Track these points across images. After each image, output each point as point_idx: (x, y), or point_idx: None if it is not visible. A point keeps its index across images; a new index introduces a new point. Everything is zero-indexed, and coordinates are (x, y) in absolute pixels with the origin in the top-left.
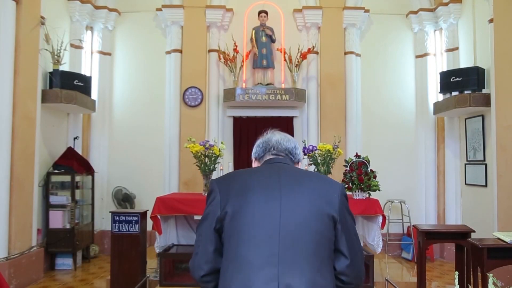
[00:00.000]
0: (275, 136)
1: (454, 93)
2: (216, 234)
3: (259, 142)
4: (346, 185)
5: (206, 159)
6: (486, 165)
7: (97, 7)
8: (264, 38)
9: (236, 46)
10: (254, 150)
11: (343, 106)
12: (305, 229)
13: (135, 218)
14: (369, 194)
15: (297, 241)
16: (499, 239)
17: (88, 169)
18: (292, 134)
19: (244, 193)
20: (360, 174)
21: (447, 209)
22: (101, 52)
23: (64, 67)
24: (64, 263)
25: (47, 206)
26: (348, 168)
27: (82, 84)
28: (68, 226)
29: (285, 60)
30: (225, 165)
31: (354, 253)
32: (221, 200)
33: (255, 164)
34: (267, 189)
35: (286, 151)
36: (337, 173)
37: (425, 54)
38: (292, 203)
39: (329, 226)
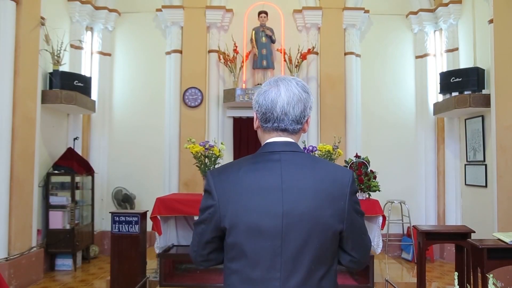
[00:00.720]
0: (281, 97)
1: (454, 94)
2: (216, 239)
3: (261, 100)
4: None
5: (206, 160)
6: (486, 165)
7: (97, 8)
8: (264, 38)
9: (236, 47)
10: (256, 106)
11: (343, 106)
12: (308, 250)
13: (135, 219)
14: (369, 195)
15: (299, 263)
16: (499, 239)
17: (88, 170)
18: None
19: (244, 204)
20: (360, 174)
21: (447, 210)
22: (101, 53)
23: (64, 67)
24: (64, 263)
25: (47, 207)
26: None
27: (82, 85)
28: (68, 227)
29: (285, 60)
30: None
31: (359, 252)
32: (219, 209)
33: (256, 124)
34: (269, 201)
35: (293, 124)
36: None
37: (425, 55)
38: (294, 220)
39: (334, 241)
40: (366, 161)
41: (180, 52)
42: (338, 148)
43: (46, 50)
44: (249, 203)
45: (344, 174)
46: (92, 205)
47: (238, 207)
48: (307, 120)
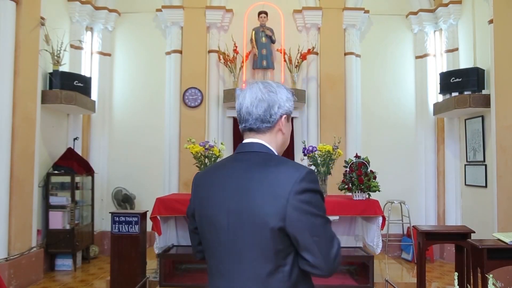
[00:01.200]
0: (246, 99)
1: (454, 94)
2: (197, 230)
3: (235, 105)
4: (346, 186)
5: (206, 160)
6: (486, 166)
7: (97, 8)
8: (264, 38)
9: (236, 47)
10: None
11: (343, 106)
12: (249, 247)
13: (135, 219)
14: (369, 195)
15: (243, 258)
16: (499, 240)
17: (88, 170)
18: (291, 135)
19: (205, 201)
20: (360, 175)
21: (447, 210)
22: (101, 53)
23: (64, 67)
24: (64, 263)
25: (47, 207)
26: (348, 169)
27: (82, 85)
28: (68, 227)
29: (285, 60)
30: None
31: (313, 255)
32: (193, 203)
33: (240, 128)
34: (221, 198)
35: (257, 123)
36: (337, 174)
37: (425, 55)
38: (238, 216)
39: (277, 239)
40: (366, 161)
41: (180, 52)
42: (338, 148)
43: (46, 50)
44: (208, 200)
45: (292, 172)
46: (92, 205)
47: (201, 203)
48: (280, 119)
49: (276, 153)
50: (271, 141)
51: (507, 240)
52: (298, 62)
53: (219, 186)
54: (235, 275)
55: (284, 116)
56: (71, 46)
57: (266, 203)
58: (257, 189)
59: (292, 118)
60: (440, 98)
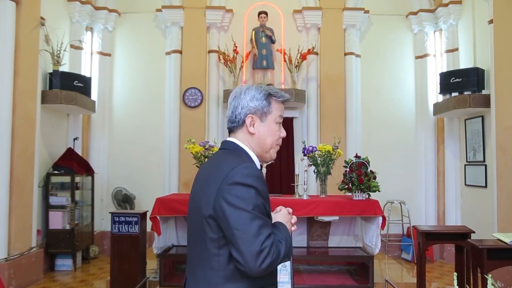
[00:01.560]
0: (229, 102)
1: (454, 94)
2: None
3: None
4: (346, 186)
5: (206, 160)
6: (486, 166)
7: (97, 8)
8: (264, 39)
9: (236, 47)
10: None
11: (343, 107)
12: (195, 231)
13: (135, 219)
14: (369, 195)
15: (192, 242)
16: (499, 240)
17: (88, 170)
18: (291, 135)
19: (191, 193)
20: (360, 175)
21: (447, 210)
22: (101, 53)
23: (64, 68)
24: (64, 264)
25: (47, 207)
26: (348, 169)
27: (82, 85)
28: (68, 227)
29: (285, 61)
30: None
31: (236, 250)
32: None
33: None
34: (192, 190)
35: (228, 123)
36: (337, 174)
37: (425, 55)
38: (190, 205)
39: (209, 227)
40: (366, 161)
41: (180, 52)
42: (338, 148)
43: (46, 50)
44: (190, 193)
45: (229, 165)
46: (92, 205)
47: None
48: (245, 119)
49: (253, 151)
50: (244, 140)
51: (507, 240)
52: (298, 62)
53: (195, 180)
54: (191, 260)
55: (250, 115)
56: (71, 46)
57: (205, 192)
58: (203, 180)
59: (292, 118)
60: (440, 98)
